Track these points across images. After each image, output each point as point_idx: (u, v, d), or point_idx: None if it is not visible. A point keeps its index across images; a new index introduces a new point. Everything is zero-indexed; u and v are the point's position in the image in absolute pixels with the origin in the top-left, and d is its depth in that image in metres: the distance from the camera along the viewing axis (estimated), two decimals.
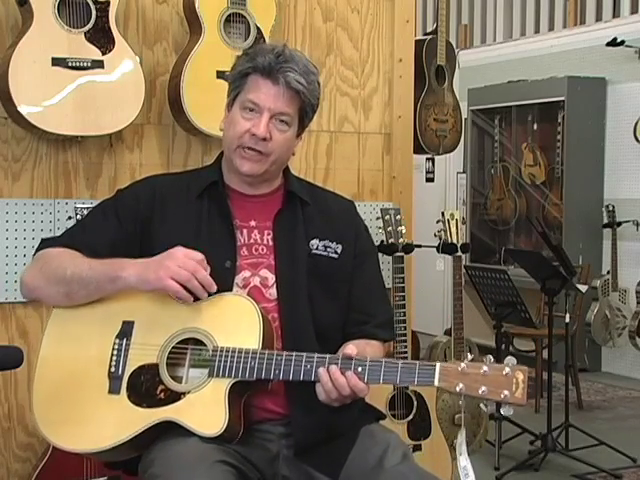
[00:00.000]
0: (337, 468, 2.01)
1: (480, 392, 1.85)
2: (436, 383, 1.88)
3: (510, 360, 1.87)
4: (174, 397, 1.95)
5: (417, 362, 1.91)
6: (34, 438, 2.83)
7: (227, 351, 1.94)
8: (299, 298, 2.07)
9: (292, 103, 2.06)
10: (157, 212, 2.10)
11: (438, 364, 1.88)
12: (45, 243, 2.14)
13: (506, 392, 1.83)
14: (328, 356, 1.93)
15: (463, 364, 1.87)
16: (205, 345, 1.97)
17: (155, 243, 2.07)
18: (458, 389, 1.86)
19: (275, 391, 2.03)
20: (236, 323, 1.98)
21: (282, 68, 2.03)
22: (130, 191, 2.18)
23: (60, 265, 2.03)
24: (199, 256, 1.96)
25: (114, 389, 1.98)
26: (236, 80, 2.09)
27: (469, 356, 1.91)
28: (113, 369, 1.99)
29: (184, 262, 1.94)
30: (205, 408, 1.93)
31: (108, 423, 1.96)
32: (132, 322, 2.02)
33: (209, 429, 1.91)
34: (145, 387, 1.97)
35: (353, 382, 1.90)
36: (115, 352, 2.01)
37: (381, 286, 2.26)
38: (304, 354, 1.93)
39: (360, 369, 1.91)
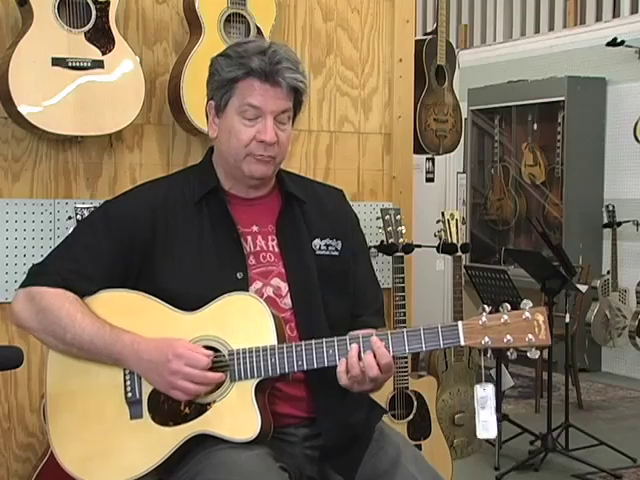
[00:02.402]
0: (353, 469, 2.00)
1: (505, 341, 1.86)
2: (462, 342, 1.87)
3: (527, 304, 1.88)
4: (200, 409, 1.91)
5: (439, 325, 1.89)
6: (34, 438, 2.84)
7: (244, 352, 1.91)
8: (314, 305, 2.04)
9: (290, 98, 2.02)
10: (159, 231, 2.02)
11: (460, 323, 1.88)
12: (38, 277, 2.01)
13: (530, 336, 1.85)
14: (348, 337, 1.91)
15: (484, 317, 1.87)
16: (219, 351, 1.93)
17: (158, 263, 2.01)
18: (484, 343, 1.86)
19: (298, 397, 2.01)
20: (246, 322, 1.93)
21: (279, 70, 1.98)
22: (124, 210, 2.06)
23: (57, 322, 1.96)
24: (203, 361, 1.88)
25: (135, 414, 1.94)
26: (225, 85, 2.02)
27: (487, 308, 1.90)
28: (130, 394, 1.95)
29: (189, 374, 1.87)
30: (235, 414, 1.89)
31: (137, 449, 1.92)
32: None
33: (244, 434, 1.87)
34: (168, 405, 1.93)
35: (380, 351, 1.88)
36: (127, 376, 1.96)
37: (372, 274, 2.25)
38: (323, 340, 1.90)
39: (384, 343, 1.90)
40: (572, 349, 5.40)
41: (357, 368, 1.88)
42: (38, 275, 2.03)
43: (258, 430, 1.87)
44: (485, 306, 1.90)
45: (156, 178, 2.23)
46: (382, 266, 3.41)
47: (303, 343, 1.91)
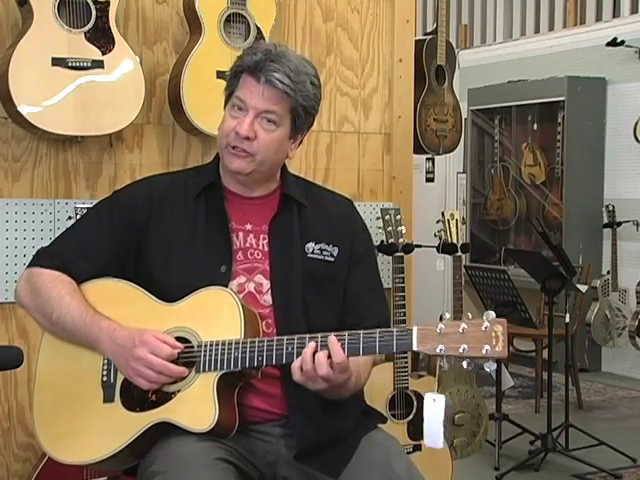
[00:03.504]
0: (337, 468, 1.99)
1: (460, 351, 1.80)
2: (415, 347, 1.83)
3: (488, 314, 1.82)
4: (166, 397, 1.95)
5: (395, 329, 1.88)
6: (34, 438, 2.82)
7: (211, 345, 1.94)
8: (294, 305, 2.06)
9: (279, 102, 2.02)
10: (154, 217, 2.08)
11: (415, 327, 1.84)
12: (41, 258, 2.10)
13: (487, 347, 1.80)
14: (308, 336, 1.91)
15: (441, 324, 1.82)
16: (190, 342, 1.97)
17: (150, 249, 2.07)
18: (438, 351, 1.81)
19: (272, 394, 2.03)
20: (217, 316, 1.98)
21: (266, 67, 1.99)
22: (126, 196, 2.15)
23: (48, 301, 2.03)
24: (166, 350, 1.92)
25: (108, 398, 1.99)
26: (231, 79, 2.08)
27: (447, 315, 1.86)
28: (105, 378, 2.00)
29: (151, 361, 1.91)
30: (195, 404, 1.93)
31: (105, 432, 1.97)
32: None
33: (200, 425, 1.91)
34: (137, 391, 1.97)
35: (335, 350, 1.86)
36: (105, 361, 2.01)
37: (376, 287, 2.22)
38: (284, 337, 1.92)
39: (341, 343, 1.88)
40: (572, 349, 5.40)
41: (309, 364, 1.88)
42: (41, 256, 2.12)
43: (214, 422, 1.90)
44: (447, 313, 1.87)
45: (166, 172, 2.25)
46: (382, 266, 3.39)
47: (266, 339, 1.94)
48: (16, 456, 2.85)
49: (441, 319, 1.86)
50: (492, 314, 1.83)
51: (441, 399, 1.91)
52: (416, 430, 3.45)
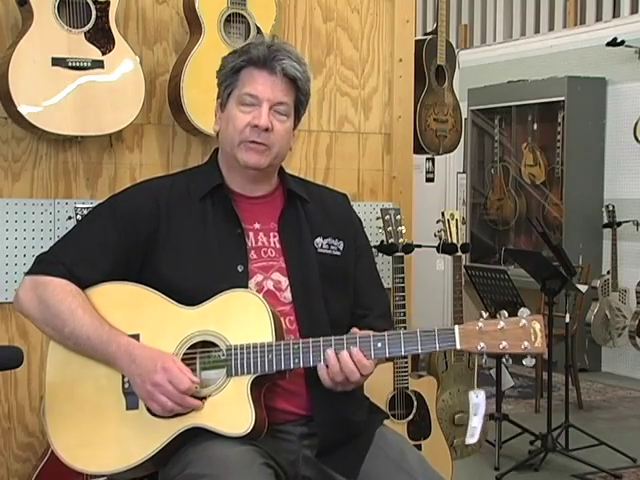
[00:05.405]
0: (355, 469, 2.00)
1: (501, 347, 1.88)
2: (458, 346, 1.90)
3: (524, 312, 1.90)
4: None
5: (435, 328, 1.92)
6: (34, 438, 2.84)
7: (242, 348, 1.93)
8: (314, 299, 2.06)
9: (289, 92, 2.06)
10: (163, 222, 2.05)
11: (457, 327, 1.90)
12: (45, 266, 2.04)
13: (526, 343, 1.88)
14: (345, 337, 1.93)
15: (480, 323, 1.89)
16: (217, 346, 1.95)
17: (161, 253, 2.03)
18: (479, 348, 1.88)
19: (296, 393, 2.02)
20: (245, 318, 1.95)
21: (277, 57, 2.03)
22: (129, 202, 2.10)
23: (58, 315, 1.98)
24: (185, 384, 1.89)
25: (132, 405, 1.95)
26: (228, 77, 2.07)
27: (484, 314, 1.92)
28: (127, 385, 1.96)
29: (169, 392, 1.89)
30: (230, 408, 1.91)
31: (132, 440, 1.94)
32: (137, 335, 1.98)
33: (237, 428, 1.89)
34: None
35: (358, 357, 1.91)
36: None
37: (377, 278, 2.27)
38: (321, 338, 1.93)
39: (380, 344, 1.92)
40: (572, 349, 5.40)
41: (340, 375, 1.92)
42: (44, 263, 2.05)
43: (251, 426, 1.89)
44: (483, 312, 1.93)
45: (162, 175, 2.24)
46: (382, 266, 3.40)
47: (301, 341, 1.94)
48: (16, 456, 2.85)
49: (480, 317, 1.92)
50: (527, 311, 1.91)
51: (482, 394, 1.99)
52: (416, 430, 3.45)
